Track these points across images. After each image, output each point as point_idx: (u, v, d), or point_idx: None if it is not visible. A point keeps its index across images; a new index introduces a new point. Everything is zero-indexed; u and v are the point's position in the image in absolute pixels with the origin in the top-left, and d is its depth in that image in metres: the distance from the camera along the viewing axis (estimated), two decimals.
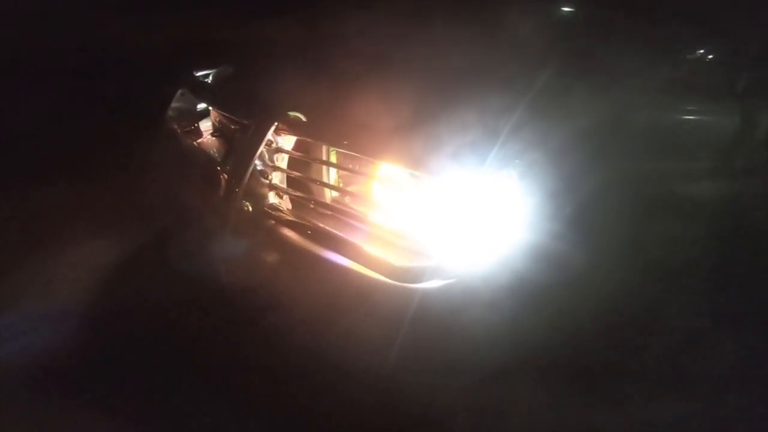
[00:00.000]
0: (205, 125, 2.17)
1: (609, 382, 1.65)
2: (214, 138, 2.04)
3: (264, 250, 1.52)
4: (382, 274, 1.29)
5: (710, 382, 1.74)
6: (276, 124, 1.43)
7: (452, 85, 1.40)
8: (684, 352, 1.77)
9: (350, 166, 1.41)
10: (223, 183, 1.57)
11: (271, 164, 1.48)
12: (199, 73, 2.32)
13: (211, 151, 1.86)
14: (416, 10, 1.77)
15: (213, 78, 2.26)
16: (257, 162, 1.45)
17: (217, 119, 2.10)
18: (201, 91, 2.03)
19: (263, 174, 1.48)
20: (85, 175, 2.99)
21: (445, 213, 1.31)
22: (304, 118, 1.41)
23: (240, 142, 1.54)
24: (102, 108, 3.45)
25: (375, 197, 1.42)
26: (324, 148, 1.46)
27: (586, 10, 1.91)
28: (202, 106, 2.13)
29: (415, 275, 1.28)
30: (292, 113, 1.41)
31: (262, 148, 1.44)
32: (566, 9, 1.99)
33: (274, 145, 1.46)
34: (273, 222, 1.50)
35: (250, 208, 1.47)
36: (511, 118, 1.29)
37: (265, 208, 1.48)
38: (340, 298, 1.39)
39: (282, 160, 1.49)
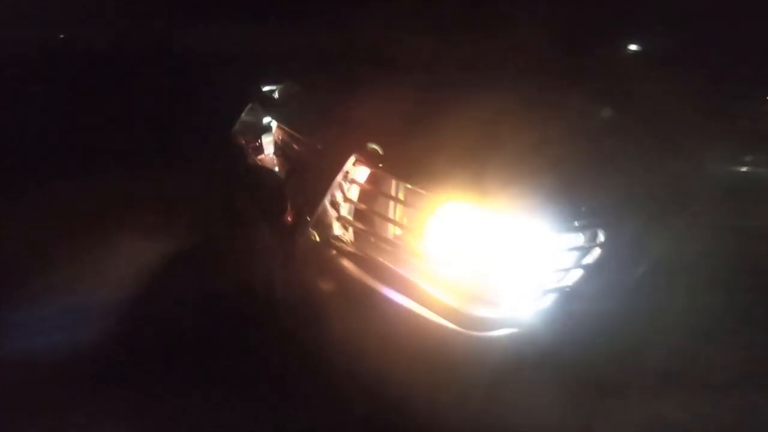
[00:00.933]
0: (266, 140, 2.15)
1: None
2: (276, 156, 2.02)
3: (322, 278, 1.48)
4: (449, 320, 1.24)
5: None
6: (355, 156, 1.40)
7: (541, 131, 1.34)
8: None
9: (422, 204, 1.36)
10: (289, 207, 1.54)
11: (343, 196, 1.44)
12: (266, 88, 2.34)
13: (276, 171, 1.84)
14: (512, 51, 1.71)
15: (279, 94, 2.27)
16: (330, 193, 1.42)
17: (281, 137, 2.10)
18: (272, 107, 2.01)
19: (334, 205, 1.45)
20: (143, 176, 3.03)
21: (518, 261, 1.26)
22: (381, 151, 1.38)
23: (312, 168, 1.51)
24: (168, 114, 3.50)
25: (444, 238, 1.37)
26: (393, 183, 1.42)
27: (670, 54, 1.83)
28: (266, 121, 2.13)
29: (483, 323, 1.24)
30: (371, 145, 1.38)
31: (338, 179, 1.41)
32: (650, 55, 1.92)
33: (349, 177, 1.43)
34: (334, 252, 1.47)
35: (317, 238, 1.44)
36: (600, 171, 1.24)
37: (330, 239, 1.45)
38: (400, 339, 1.33)
39: (352, 192, 1.46)
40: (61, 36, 4.33)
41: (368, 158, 1.39)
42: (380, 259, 1.38)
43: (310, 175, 1.53)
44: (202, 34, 3.93)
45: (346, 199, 1.45)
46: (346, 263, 1.42)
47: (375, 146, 1.36)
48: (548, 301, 1.27)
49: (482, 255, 1.30)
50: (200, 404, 1.74)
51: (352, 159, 1.39)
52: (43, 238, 2.54)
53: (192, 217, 2.69)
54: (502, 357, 1.25)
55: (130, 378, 1.84)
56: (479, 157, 1.29)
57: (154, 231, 2.64)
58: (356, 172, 1.43)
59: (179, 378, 1.84)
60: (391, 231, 1.47)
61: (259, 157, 2.04)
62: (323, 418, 1.64)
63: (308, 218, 1.44)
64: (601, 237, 1.26)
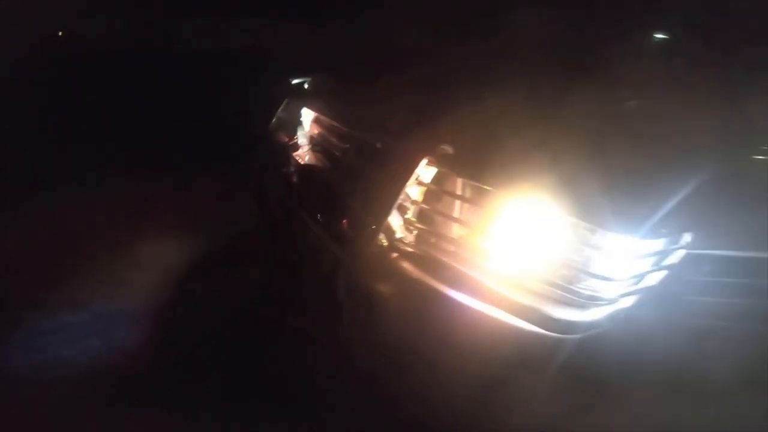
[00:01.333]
0: (310, 138, 2.07)
1: None
2: (323, 156, 1.94)
3: (391, 284, 1.42)
4: (533, 323, 1.21)
5: None
6: (428, 157, 1.34)
7: (621, 130, 1.29)
8: None
9: (499, 204, 1.30)
10: (346, 210, 1.48)
11: (411, 199, 1.38)
12: (295, 81, 2.25)
13: (326, 171, 1.76)
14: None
15: (310, 86, 2.19)
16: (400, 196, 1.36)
17: (318, 132, 2.03)
18: (314, 101, 1.92)
19: (402, 209, 1.39)
20: (166, 179, 2.94)
21: (602, 265, 1.22)
22: (451, 150, 1.32)
23: (377, 170, 1.44)
24: (198, 109, 3.40)
25: (523, 240, 1.32)
26: (466, 184, 1.36)
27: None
28: (308, 117, 2.05)
29: (567, 326, 1.21)
30: (444, 146, 1.31)
31: (410, 182, 1.35)
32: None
33: (419, 179, 1.37)
34: (404, 257, 1.41)
35: (385, 243, 1.38)
36: (694, 179, 1.18)
37: (398, 244, 1.39)
38: (477, 342, 1.29)
39: (422, 194, 1.40)
40: (60, 33, 4.20)
41: (442, 160, 1.32)
42: (454, 263, 1.33)
43: (374, 177, 1.46)
44: (221, 29, 3.82)
45: (415, 202, 1.39)
46: (416, 268, 1.36)
47: (447, 147, 1.30)
48: (630, 303, 1.23)
49: (562, 256, 1.26)
50: (236, 418, 1.69)
51: (424, 161, 1.33)
52: (70, 243, 2.46)
53: (222, 219, 2.61)
54: (585, 360, 1.22)
55: (162, 388, 1.79)
56: (558, 156, 1.23)
57: (183, 234, 2.57)
58: (427, 174, 1.37)
59: (213, 389, 1.79)
60: (464, 233, 1.41)
61: (304, 156, 1.96)
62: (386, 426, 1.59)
63: (373, 223, 1.37)
64: (687, 239, 1.21)
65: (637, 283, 1.24)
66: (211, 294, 2.25)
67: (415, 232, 1.42)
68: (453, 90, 1.52)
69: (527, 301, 1.24)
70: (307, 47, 2.79)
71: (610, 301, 1.23)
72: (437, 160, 1.33)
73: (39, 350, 1.94)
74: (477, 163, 1.31)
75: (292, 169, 1.94)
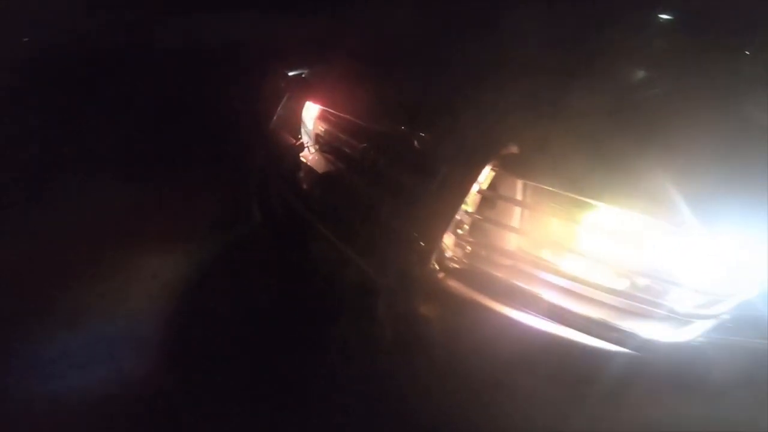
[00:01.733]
0: (323, 140, 1.85)
1: None
2: (325, 153, 1.72)
3: (435, 304, 1.25)
4: (613, 342, 1.07)
5: None
6: (491, 164, 1.13)
7: (724, 128, 1.14)
8: None
9: (568, 209, 1.13)
10: (382, 224, 1.28)
11: (465, 210, 1.18)
12: (292, 73, 2.04)
13: (338, 173, 1.55)
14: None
15: (312, 78, 1.97)
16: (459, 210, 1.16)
17: (327, 130, 1.81)
18: (321, 94, 1.70)
19: (457, 224, 1.19)
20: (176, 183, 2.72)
21: (692, 275, 1.07)
22: (517, 150, 1.12)
23: (425, 179, 1.23)
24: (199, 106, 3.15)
25: (594, 247, 1.16)
26: (520, 186, 1.17)
27: None
28: (317, 116, 1.83)
29: (655, 345, 1.07)
30: (510, 147, 1.11)
31: (471, 193, 1.14)
32: None
33: (481, 188, 1.16)
34: (445, 274, 1.22)
35: (437, 267, 1.19)
36: None
37: (444, 260, 1.20)
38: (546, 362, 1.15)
39: (473, 202, 1.20)
40: (26, 39, 3.90)
41: (505, 162, 1.12)
42: (516, 279, 1.17)
43: (417, 185, 1.25)
44: (210, 25, 3.57)
45: (469, 213, 1.19)
46: (452, 283, 1.19)
47: (514, 148, 1.10)
48: (724, 318, 1.08)
49: (646, 265, 1.11)
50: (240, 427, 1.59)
51: (487, 168, 1.13)
52: (66, 250, 2.25)
53: (221, 224, 2.43)
54: (671, 382, 1.11)
55: (163, 395, 1.67)
56: (640, 152, 1.08)
57: (180, 240, 2.38)
58: (489, 182, 1.18)
59: (217, 397, 1.67)
60: (527, 245, 1.23)
61: (310, 157, 1.74)
62: None
63: (422, 239, 1.17)
64: None
65: (732, 295, 1.08)
66: (213, 301, 2.11)
67: (468, 246, 1.22)
68: (499, 79, 1.30)
69: (607, 317, 1.10)
70: (308, 36, 2.56)
71: (702, 316, 1.09)
72: (500, 163, 1.13)
73: (39, 349, 1.84)
74: (547, 163, 1.12)
75: (300, 172, 1.73)
